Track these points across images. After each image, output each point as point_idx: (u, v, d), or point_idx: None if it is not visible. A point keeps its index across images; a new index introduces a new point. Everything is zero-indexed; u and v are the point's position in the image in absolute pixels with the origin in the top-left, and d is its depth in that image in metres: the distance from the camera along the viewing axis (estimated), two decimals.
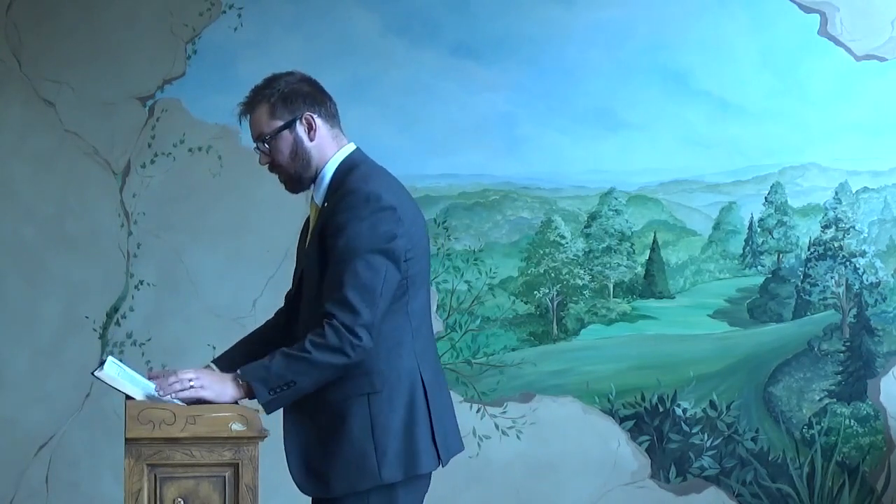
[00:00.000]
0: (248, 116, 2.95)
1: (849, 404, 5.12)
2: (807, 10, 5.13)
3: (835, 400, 5.13)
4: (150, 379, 2.92)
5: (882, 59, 5.12)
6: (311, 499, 2.97)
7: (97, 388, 4.88)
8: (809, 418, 5.12)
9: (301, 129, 2.92)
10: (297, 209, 5.17)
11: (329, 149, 2.94)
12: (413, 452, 2.85)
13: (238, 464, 2.72)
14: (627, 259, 5.21)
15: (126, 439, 2.70)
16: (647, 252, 5.21)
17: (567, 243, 5.20)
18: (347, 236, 2.79)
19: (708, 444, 5.13)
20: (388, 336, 2.85)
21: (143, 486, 2.70)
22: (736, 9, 5.15)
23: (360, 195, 2.81)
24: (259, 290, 5.14)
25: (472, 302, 5.14)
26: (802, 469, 5.10)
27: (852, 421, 5.11)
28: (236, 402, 2.80)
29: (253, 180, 5.15)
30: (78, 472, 5.12)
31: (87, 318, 5.16)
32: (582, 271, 5.20)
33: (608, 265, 5.20)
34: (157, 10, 5.16)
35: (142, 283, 5.16)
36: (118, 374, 2.79)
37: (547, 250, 5.20)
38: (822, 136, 5.15)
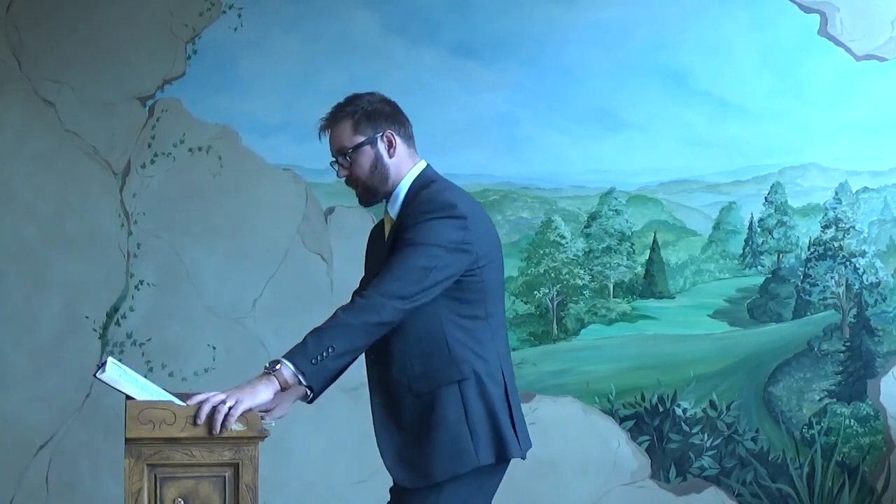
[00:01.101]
0: (329, 132, 3.08)
1: (849, 404, 5.12)
2: (807, 10, 5.13)
3: (835, 400, 5.13)
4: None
5: (882, 59, 5.12)
6: (391, 492, 3.05)
7: (97, 388, 4.88)
8: (809, 418, 5.12)
9: (382, 146, 3.05)
10: (297, 209, 5.19)
11: (405, 166, 3.08)
12: (501, 438, 2.98)
13: (238, 464, 2.72)
14: (627, 259, 5.21)
15: (126, 439, 2.70)
16: (647, 252, 5.21)
17: (567, 243, 5.21)
18: (414, 232, 2.93)
19: (708, 444, 5.13)
20: (469, 333, 2.98)
21: (143, 486, 2.70)
22: (736, 9, 5.15)
23: (436, 203, 2.97)
24: (259, 290, 5.14)
25: None
26: (802, 469, 5.11)
27: (852, 421, 5.11)
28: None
29: (253, 180, 5.17)
30: (78, 472, 5.12)
31: (87, 318, 5.16)
32: (582, 271, 5.21)
33: (608, 265, 5.21)
34: (157, 10, 5.17)
35: (142, 283, 5.16)
36: (119, 376, 2.80)
37: (547, 250, 5.20)
38: (822, 136, 5.15)
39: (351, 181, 3.07)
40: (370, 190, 3.07)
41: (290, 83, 5.12)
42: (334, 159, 3.07)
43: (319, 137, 3.10)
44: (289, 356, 2.80)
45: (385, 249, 3.02)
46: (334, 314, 2.87)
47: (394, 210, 3.07)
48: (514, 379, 3.11)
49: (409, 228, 2.94)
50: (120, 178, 5.18)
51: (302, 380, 2.79)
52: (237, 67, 5.16)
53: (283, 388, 2.80)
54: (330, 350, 2.81)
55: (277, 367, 2.79)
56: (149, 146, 5.17)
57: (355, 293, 3.18)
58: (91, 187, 5.18)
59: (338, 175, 3.07)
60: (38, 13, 5.16)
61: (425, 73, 5.14)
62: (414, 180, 3.07)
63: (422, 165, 3.11)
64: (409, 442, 2.96)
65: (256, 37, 5.16)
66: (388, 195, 3.08)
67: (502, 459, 3.00)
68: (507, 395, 3.02)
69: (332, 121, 3.07)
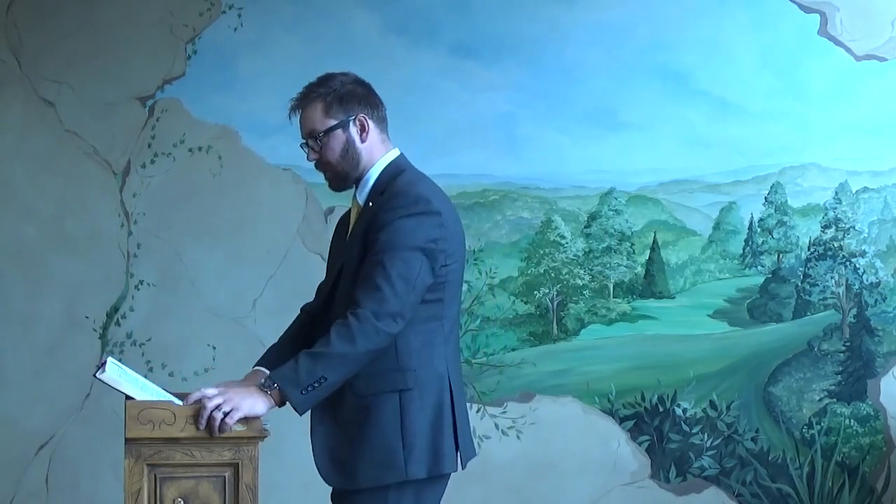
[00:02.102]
0: (300, 113, 2.99)
1: (849, 404, 5.12)
2: (807, 10, 5.13)
3: (835, 400, 5.13)
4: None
5: (882, 59, 5.12)
6: (330, 494, 2.99)
7: (97, 388, 4.88)
8: (809, 418, 5.12)
9: (354, 130, 2.97)
10: (297, 209, 5.20)
11: (377, 151, 3.00)
12: (438, 452, 2.89)
13: (238, 464, 2.73)
14: (627, 259, 5.21)
15: (126, 439, 2.70)
16: (647, 252, 5.21)
17: (567, 243, 5.20)
18: (390, 232, 2.84)
19: (708, 444, 5.13)
20: (422, 337, 2.90)
21: (143, 486, 2.70)
22: (736, 9, 5.15)
23: (409, 196, 2.88)
24: (259, 290, 5.14)
25: (472, 302, 5.14)
26: (802, 469, 5.11)
27: (852, 421, 5.11)
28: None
29: (253, 180, 5.17)
30: (78, 472, 5.12)
31: (87, 318, 5.16)
32: (582, 271, 5.21)
33: (608, 265, 5.21)
34: (157, 10, 5.17)
35: (142, 283, 5.16)
36: (119, 376, 2.80)
37: (547, 250, 5.20)
38: (822, 136, 5.15)
39: (321, 165, 2.98)
40: (340, 175, 2.98)
41: (290, 83, 5.05)
42: (304, 142, 2.98)
43: (290, 118, 3.00)
44: (281, 382, 2.76)
45: (356, 237, 2.93)
46: (329, 337, 2.78)
47: (362, 196, 2.98)
48: (461, 384, 3.02)
49: (383, 228, 2.85)
50: (120, 178, 5.18)
51: (289, 403, 2.78)
52: (237, 67, 5.16)
53: (277, 405, 2.79)
54: (322, 381, 2.76)
55: (275, 386, 2.76)
56: (149, 146, 5.17)
57: (321, 286, 3.10)
58: (91, 187, 5.18)
59: (307, 158, 2.97)
60: (38, 13, 5.16)
61: (425, 73, 5.14)
62: (385, 168, 2.98)
63: (394, 153, 3.02)
64: (341, 440, 2.89)
65: (256, 37, 5.16)
66: (358, 181, 2.99)
67: (435, 474, 2.91)
68: (452, 404, 2.93)
69: (302, 101, 2.98)
